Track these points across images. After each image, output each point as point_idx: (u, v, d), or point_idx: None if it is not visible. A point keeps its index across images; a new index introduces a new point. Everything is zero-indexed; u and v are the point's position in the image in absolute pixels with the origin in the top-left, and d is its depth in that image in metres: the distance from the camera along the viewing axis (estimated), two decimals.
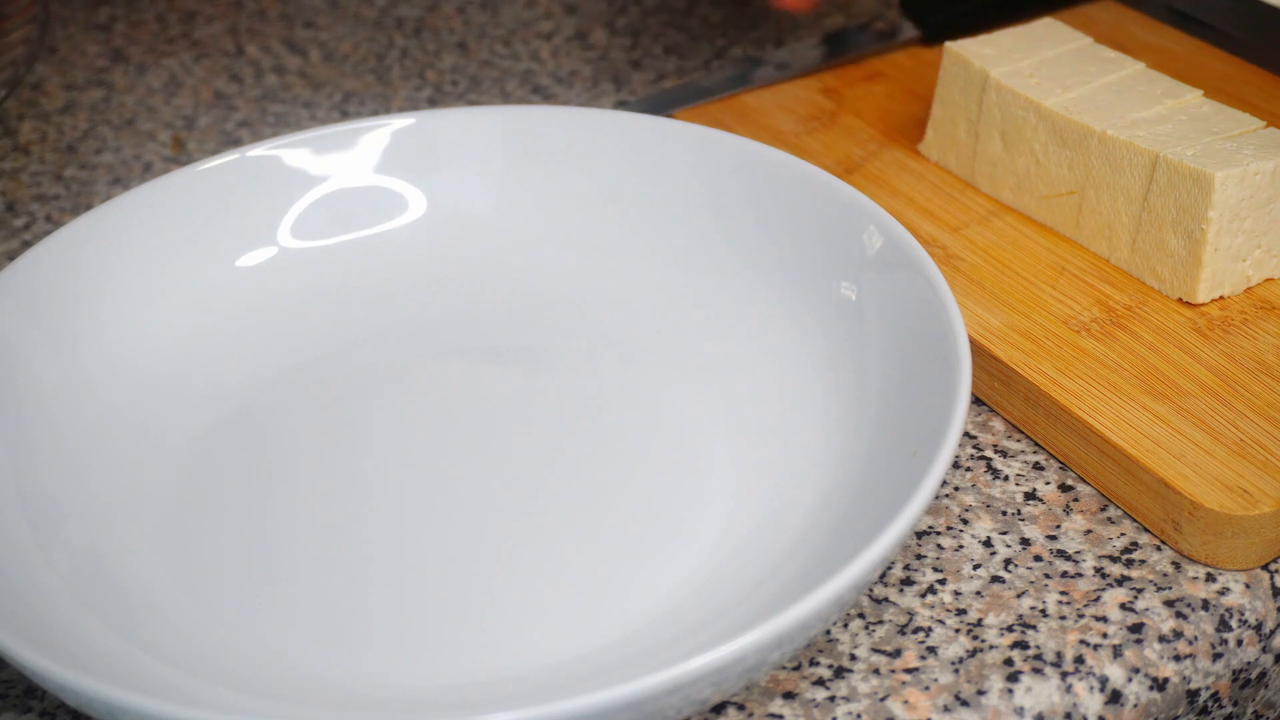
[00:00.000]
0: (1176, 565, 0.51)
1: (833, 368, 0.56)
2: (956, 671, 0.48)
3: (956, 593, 0.51)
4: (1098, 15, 0.76)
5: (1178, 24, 0.76)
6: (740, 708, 0.47)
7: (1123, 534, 0.53)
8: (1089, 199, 0.61)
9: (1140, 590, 0.51)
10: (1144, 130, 0.59)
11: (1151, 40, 0.74)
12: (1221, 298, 0.59)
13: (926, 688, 0.48)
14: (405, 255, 0.63)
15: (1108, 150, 0.60)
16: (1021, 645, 0.49)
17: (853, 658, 0.49)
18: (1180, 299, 0.59)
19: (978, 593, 0.51)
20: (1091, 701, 0.48)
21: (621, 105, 0.76)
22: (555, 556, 0.51)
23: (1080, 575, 0.51)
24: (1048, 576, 0.51)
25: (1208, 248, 0.58)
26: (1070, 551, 0.52)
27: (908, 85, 0.73)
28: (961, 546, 0.52)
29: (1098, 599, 0.50)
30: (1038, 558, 0.52)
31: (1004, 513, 0.54)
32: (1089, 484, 0.54)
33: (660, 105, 0.72)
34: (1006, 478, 0.55)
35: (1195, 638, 0.49)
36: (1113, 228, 0.60)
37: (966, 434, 0.57)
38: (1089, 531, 0.53)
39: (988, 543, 0.52)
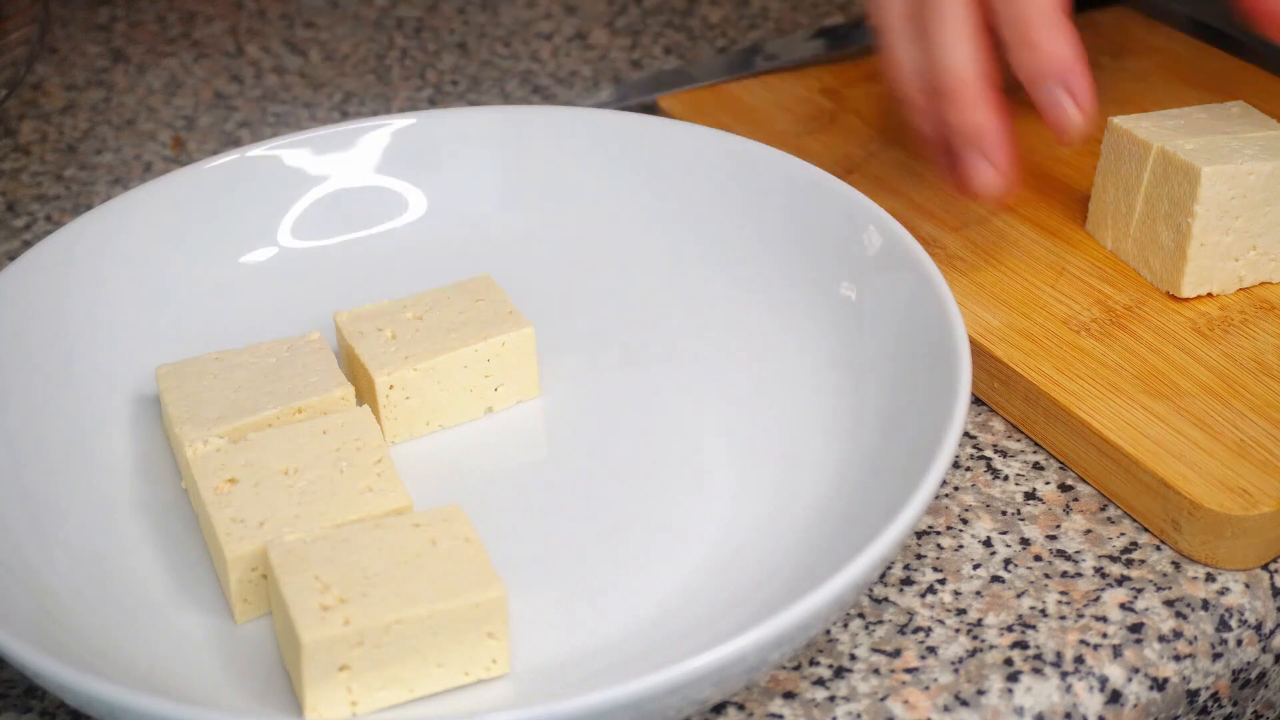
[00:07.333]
0: (1176, 565, 0.51)
1: (833, 368, 0.56)
2: (956, 671, 0.48)
3: (956, 592, 0.51)
4: (1100, 18, 0.76)
5: (1179, 25, 0.76)
6: (740, 708, 0.47)
7: (1122, 534, 0.53)
8: (1095, 187, 0.61)
9: (1140, 590, 0.51)
10: (1151, 122, 0.60)
11: (1154, 41, 0.74)
12: (1211, 295, 0.59)
13: (926, 687, 0.48)
14: (405, 255, 0.63)
15: (1113, 139, 0.60)
16: (1021, 645, 0.49)
17: (853, 658, 0.49)
18: (1168, 292, 0.59)
19: (977, 593, 0.51)
20: (1091, 701, 0.48)
21: (609, 93, 0.75)
22: (555, 556, 0.51)
23: (1080, 575, 0.51)
24: (1047, 576, 0.51)
25: (1193, 242, 0.57)
26: (1070, 551, 0.52)
27: None
28: (961, 546, 0.52)
29: (1097, 599, 0.50)
30: (1037, 557, 0.52)
31: (1004, 513, 0.54)
32: (1089, 484, 0.54)
33: (648, 88, 0.73)
34: (1006, 478, 0.55)
35: (1195, 638, 0.49)
36: (1115, 218, 0.61)
37: (966, 434, 0.57)
38: (1089, 531, 0.53)
39: (987, 542, 0.52)
